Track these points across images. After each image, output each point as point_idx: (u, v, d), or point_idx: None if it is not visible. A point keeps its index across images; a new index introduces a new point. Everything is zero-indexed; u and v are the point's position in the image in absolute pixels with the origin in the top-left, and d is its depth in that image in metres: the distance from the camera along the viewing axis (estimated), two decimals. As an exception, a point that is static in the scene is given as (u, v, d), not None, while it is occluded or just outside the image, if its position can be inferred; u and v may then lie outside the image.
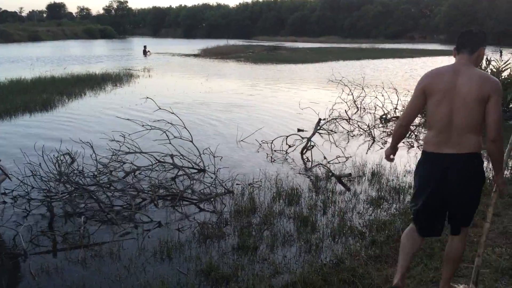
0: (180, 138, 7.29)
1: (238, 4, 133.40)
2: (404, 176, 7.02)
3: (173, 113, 7.30)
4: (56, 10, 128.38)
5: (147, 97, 7.83)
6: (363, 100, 13.46)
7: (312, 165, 7.61)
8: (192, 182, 6.41)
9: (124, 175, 6.43)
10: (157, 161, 6.94)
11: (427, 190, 3.06)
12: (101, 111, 12.26)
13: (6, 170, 5.19)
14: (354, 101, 13.50)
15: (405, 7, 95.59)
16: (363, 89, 14.01)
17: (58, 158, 6.61)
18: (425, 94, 3.00)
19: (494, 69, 12.56)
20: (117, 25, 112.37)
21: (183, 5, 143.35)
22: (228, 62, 33.11)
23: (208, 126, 10.67)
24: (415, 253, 3.47)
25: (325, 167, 7.23)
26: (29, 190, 5.77)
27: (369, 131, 10.01)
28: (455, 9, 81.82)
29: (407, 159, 8.04)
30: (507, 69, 12.61)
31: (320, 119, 9.13)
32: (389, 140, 9.45)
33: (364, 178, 6.93)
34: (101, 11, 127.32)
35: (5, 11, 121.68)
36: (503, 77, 12.36)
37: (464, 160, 2.95)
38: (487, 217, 3.32)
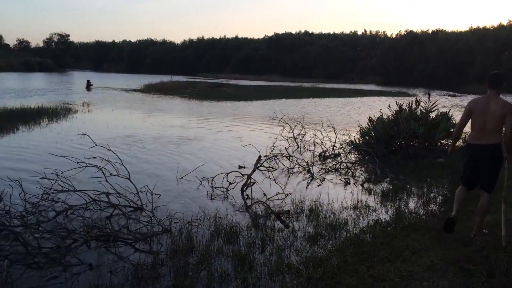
0: (117, 176, 7.09)
1: (183, 40, 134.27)
2: (341, 212, 7.21)
3: (110, 149, 7.11)
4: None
5: (83, 133, 7.59)
6: (303, 137, 13.85)
7: (252, 202, 7.64)
8: (128, 221, 6.22)
9: (54, 215, 6.09)
10: (91, 200, 6.68)
11: (470, 165, 5.39)
12: (34, 147, 11.69)
13: None
14: (295, 139, 13.86)
15: (343, 49, 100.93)
16: (303, 127, 14.47)
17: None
18: (471, 112, 5.31)
19: (423, 110, 13.46)
20: (58, 58, 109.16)
21: (127, 40, 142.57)
22: (172, 98, 33.02)
23: (148, 163, 10.47)
24: (462, 201, 5.62)
25: (265, 204, 7.29)
26: None
27: (308, 168, 10.27)
28: (388, 53, 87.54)
29: (343, 196, 8.29)
30: (434, 110, 13.56)
31: (260, 156, 9.26)
32: (327, 177, 9.77)
33: (302, 214, 7.04)
34: (41, 44, 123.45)
35: None
36: (430, 117, 13.27)
37: (491, 148, 5.20)
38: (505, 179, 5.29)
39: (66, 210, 6.37)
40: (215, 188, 8.49)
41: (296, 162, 10.73)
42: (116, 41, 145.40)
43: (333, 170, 10.47)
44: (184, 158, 11.21)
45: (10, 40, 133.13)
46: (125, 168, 7.21)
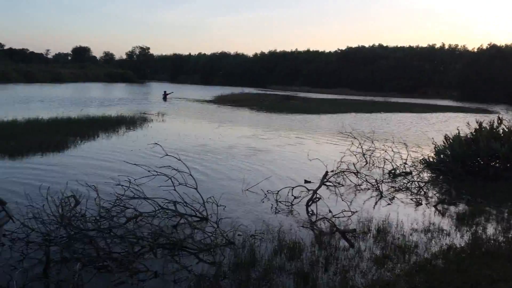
0: (185, 185, 7.28)
1: (254, 53, 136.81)
2: (411, 234, 6.84)
3: (179, 159, 7.34)
4: (81, 54, 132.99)
5: (156, 143, 7.91)
6: (372, 153, 13.42)
7: (317, 219, 7.49)
8: (193, 231, 6.34)
9: (125, 220, 6.37)
10: (160, 208, 6.90)
11: None
12: (111, 154, 12.39)
13: (11, 212, 5.18)
14: (363, 154, 13.46)
15: (419, 63, 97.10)
16: (372, 142, 14.02)
17: (62, 201, 6.67)
18: None
19: (505, 129, 12.49)
20: (138, 70, 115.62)
21: (202, 53, 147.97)
22: (242, 109, 33.63)
23: (216, 173, 10.67)
24: None
25: (330, 222, 7.11)
26: (29, 233, 5.75)
27: (377, 185, 9.89)
28: (469, 67, 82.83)
29: (414, 217, 7.87)
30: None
31: (327, 172, 9.08)
32: (397, 195, 9.34)
33: (369, 234, 6.77)
34: (124, 56, 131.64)
35: (32, 53, 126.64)
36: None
37: None
38: None
39: (136, 217, 6.63)
40: (280, 202, 8.44)
41: (364, 179, 10.40)
42: (192, 54, 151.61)
43: (404, 189, 10.00)
44: (251, 170, 11.30)
45: (97, 53, 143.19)
46: (193, 178, 7.38)
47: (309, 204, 8.25)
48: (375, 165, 12.71)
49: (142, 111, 27.67)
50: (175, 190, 7.18)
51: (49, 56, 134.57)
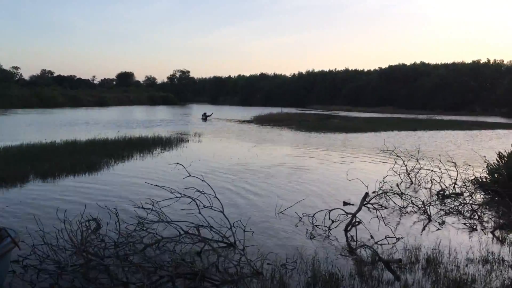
0: (211, 208, 6.73)
1: (293, 74, 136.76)
2: (466, 265, 5.95)
3: (203, 180, 6.82)
4: (125, 79, 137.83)
5: (178, 163, 7.45)
6: (418, 173, 12.44)
7: (357, 246, 6.72)
8: (218, 259, 5.75)
9: (143, 247, 5.86)
10: (184, 232, 6.37)
11: None
12: (141, 175, 12.07)
13: (17, 238, 4.77)
14: (408, 174, 12.50)
15: (463, 79, 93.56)
16: (417, 161, 13.05)
17: (82, 225, 6.32)
18: None
19: None
20: (179, 92, 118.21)
21: (241, 75, 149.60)
22: (280, 129, 33.08)
23: (248, 194, 10.08)
24: None
25: (371, 249, 6.32)
26: (42, 260, 5.35)
27: (424, 208, 8.97)
28: (518, 82, 78.86)
29: (469, 244, 6.94)
30: None
31: (367, 193, 8.28)
32: (447, 219, 8.39)
33: (417, 265, 5.94)
34: (165, 80, 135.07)
35: (79, 79, 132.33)
36: None
37: None
38: None
39: (157, 242, 6.12)
40: (316, 226, 7.73)
41: (410, 201, 9.48)
42: (231, 75, 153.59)
43: (455, 212, 9.02)
44: (285, 190, 10.64)
45: (140, 77, 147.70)
46: (219, 200, 6.82)
47: (348, 229, 7.50)
48: (421, 186, 11.73)
49: (180, 131, 27.71)
50: (199, 213, 6.63)
51: (95, 81, 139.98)
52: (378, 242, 6.86)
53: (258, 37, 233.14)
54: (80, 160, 13.47)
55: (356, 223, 7.49)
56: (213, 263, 5.61)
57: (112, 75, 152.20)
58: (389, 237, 7.01)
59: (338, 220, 7.88)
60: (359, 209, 7.74)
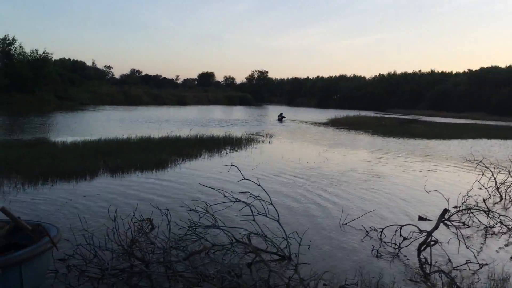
0: (266, 215, 6.22)
1: (373, 76, 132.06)
2: None
3: (259, 185, 6.32)
4: (206, 79, 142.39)
5: (232, 164, 7.03)
6: (509, 187, 10.97)
7: (431, 271, 5.83)
8: (269, 274, 5.22)
9: (187, 254, 5.49)
10: (235, 241, 5.93)
11: None
12: (206, 175, 11.90)
13: (58, 236, 4.60)
14: (497, 188, 11.07)
15: None
16: (510, 173, 11.53)
17: (136, 225, 6.16)
18: None
19: None
20: (257, 93, 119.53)
21: (319, 76, 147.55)
22: (355, 132, 31.76)
23: (311, 203, 9.40)
24: None
25: (448, 276, 5.43)
26: (87, 261, 5.19)
27: (516, 230, 7.74)
28: None
29: None
30: None
31: (446, 209, 7.25)
32: (546, 247, 7.14)
33: (505, 300, 4.97)
34: (244, 80, 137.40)
35: (164, 78, 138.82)
36: None
37: None
38: None
39: (206, 250, 5.73)
40: (384, 242, 6.92)
41: (498, 220, 8.27)
42: (309, 77, 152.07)
43: (555, 237, 7.67)
44: (354, 200, 9.82)
45: (220, 77, 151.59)
46: (274, 207, 6.29)
47: (422, 248, 6.59)
48: (513, 203, 10.31)
49: (252, 132, 27.58)
50: (253, 220, 6.15)
51: (179, 81, 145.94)
52: (457, 268, 5.93)
53: (337, 38, 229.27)
54: (149, 157, 13.66)
55: (432, 242, 6.58)
56: (262, 279, 5.09)
57: (194, 75, 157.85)
58: (470, 262, 6.04)
59: (411, 238, 7.00)
60: (436, 226, 6.78)
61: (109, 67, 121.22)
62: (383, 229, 7.25)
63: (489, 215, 8.41)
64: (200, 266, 5.17)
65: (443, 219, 7.32)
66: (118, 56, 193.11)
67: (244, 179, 6.44)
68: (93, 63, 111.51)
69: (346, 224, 7.78)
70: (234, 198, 6.28)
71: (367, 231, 7.36)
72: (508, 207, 9.96)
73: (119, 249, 5.45)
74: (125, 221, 6.07)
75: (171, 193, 9.52)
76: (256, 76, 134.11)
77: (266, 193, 6.30)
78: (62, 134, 20.93)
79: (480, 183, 11.08)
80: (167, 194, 9.33)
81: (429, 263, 6.11)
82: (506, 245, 7.23)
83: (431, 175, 13.70)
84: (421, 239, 6.75)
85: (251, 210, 6.21)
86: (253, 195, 6.20)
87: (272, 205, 6.24)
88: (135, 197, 8.87)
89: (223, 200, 6.43)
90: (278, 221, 6.15)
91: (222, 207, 6.54)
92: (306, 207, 8.95)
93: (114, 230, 5.60)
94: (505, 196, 10.76)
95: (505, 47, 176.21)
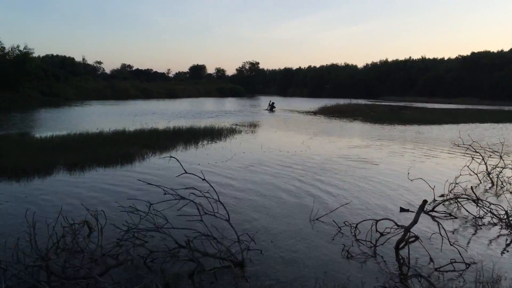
0: (214, 215, 5.31)
1: (365, 64, 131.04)
2: None
3: (204, 179, 5.40)
4: (197, 71, 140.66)
5: (172, 156, 6.12)
6: (501, 172, 10.13)
7: (409, 273, 4.97)
8: (214, 281, 4.34)
9: (112, 264, 4.58)
10: (177, 246, 5.02)
11: None
12: (168, 170, 10.96)
13: None
14: (488, 173, 10.24)
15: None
16: (501, 158, 10.71)
17: (66, 229, 5.28)
18: None
19: None
20: (248, 84, 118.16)
21: (311, 66, 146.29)
22: (344, 120, 30.84)
23: (280, 195, 8.48)
24: None
25: (428, 280, 4.56)
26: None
27: (507, 220, 6.89)
28: None
29: None
30: None
31: (425, 201, 6.28)
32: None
33: (494, 309, 4.11)
34: (235, 72, 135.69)
35: (155, 72, 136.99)
36: None
37: None
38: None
39: (128, 260, 4.82)
40: (358, 240, 6.04)
41: (489, 209, 7.41)
42: (301, 67, 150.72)
43: (552, 227, 6.83)
44: (327, 191, 8.89)
45: (211, 70, 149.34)
46: (223, 205, 5.39)
47: (400, 247, 5.73)
48: (505, 189, 9.46)
49: (237, 122, 26.59)
50: (201, 220, 5.24)
51: (170, 75, 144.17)
52: (440, 269, 5.08)
53: (329, 27, 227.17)
54: (117, 151, 12.69)
55: (411, 239, 5.72)
56: (202, 291, 4.20)
57: (186, 68, 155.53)
58: (455, 261, 5.19)
59: (389, 233, 6.12)
60: (415, 221, 5.87)
61: (99, 62, 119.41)
62: (356, 224, 6.38)
63: (479, 204, 7.56)
64: (123, 280, 4.27)
65: (425, 211, 6.45)
66: (108, 51, 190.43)
67: (186, 172, 5.51)
68: (83, 59, 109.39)
69: (317, 219, 6.89)
70: (179, 195, 5.37)
71: (339, 227, 6.47)
72: (499, 193, 9.12)
73: (31, 262, 4.53)
74: (50, 226, 5.15)
75: (127, 189, 8.57)
76: (247, 67, 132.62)
77: (215, 190, 5.39)
78: (32, 130, 19.87)
79: (469, 169, 10.23)
80: (121, 190, 8.39)
81: (407, 264, 5.23)
82: (497, 238, 6.38)
83: (418, 162, 12.85)
84: (400, 235, 5.88)
85: (198, 209, 5.30)
86: (201, 192, 5.28)
87: (220, 202, 5.32)
88: (81, 196, 7.94)
89: (168, 198, 5.51)
90: (228, 220, 5.25)
91: (167, 206, 5.61)
92: (274, 201, 8.04)
93: (32, 238, 4.69)
94: (496, 181, 9.92)
95: (496, 32, 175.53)
